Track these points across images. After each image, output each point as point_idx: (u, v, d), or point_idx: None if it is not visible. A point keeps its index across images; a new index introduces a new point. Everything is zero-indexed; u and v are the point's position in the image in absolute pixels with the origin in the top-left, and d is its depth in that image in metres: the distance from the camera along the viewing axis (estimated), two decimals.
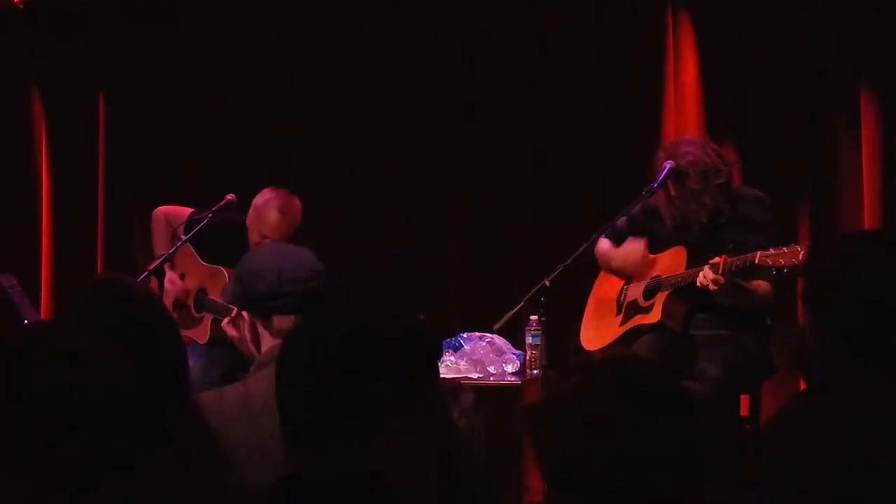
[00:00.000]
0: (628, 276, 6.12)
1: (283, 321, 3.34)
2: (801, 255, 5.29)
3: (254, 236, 6.36)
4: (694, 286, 5.63)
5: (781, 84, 7.04)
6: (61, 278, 7.88)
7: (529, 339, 6.02)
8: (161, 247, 6.51)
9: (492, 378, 6.00)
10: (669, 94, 7.20)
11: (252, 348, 3.42)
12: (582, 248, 5.76)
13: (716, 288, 5.52)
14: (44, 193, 8.01)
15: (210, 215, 6.26)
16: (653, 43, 7.31)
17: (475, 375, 5.95)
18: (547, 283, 5.62)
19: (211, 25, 7.86)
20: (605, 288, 6.23)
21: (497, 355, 6.08)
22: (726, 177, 5.78)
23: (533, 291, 5.64)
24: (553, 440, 2.19)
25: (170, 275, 6.47)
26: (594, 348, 6.03)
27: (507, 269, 7.47)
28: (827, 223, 6.88)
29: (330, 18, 7.75)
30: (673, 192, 5.76)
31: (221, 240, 6.38)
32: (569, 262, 5.69)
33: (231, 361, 6.11)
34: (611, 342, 5.95)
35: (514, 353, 6.12)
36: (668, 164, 5.75)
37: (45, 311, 7.63)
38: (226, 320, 6.05)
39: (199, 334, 6.40)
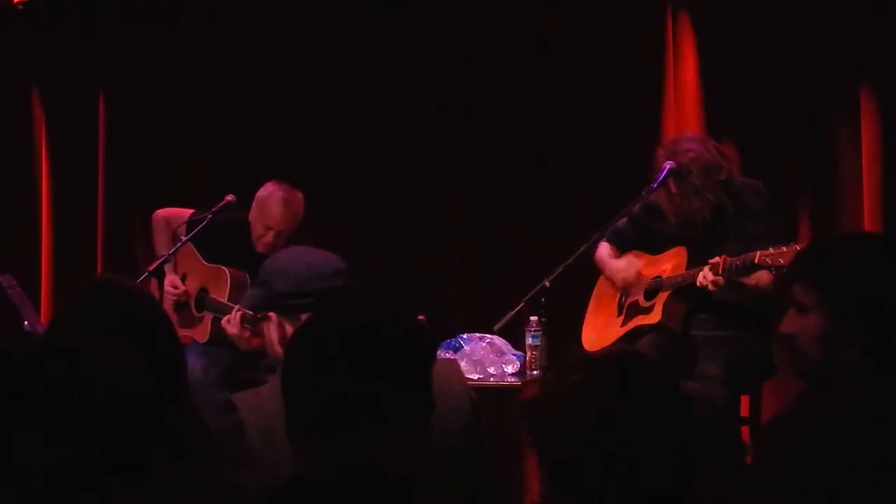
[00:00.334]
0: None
1: None
2: None
3: (257, 229, 6.38)
4: (694, 286, 5.63)
5: (781, 84, 7.04)
6: (61, 279, 7.87)
7: (529, 340, 6.01)
8: (162, 248, 6.52)
9: (492, 379, 5.99)
10: (669, 93, 7.20)
11: (279, 349, 3.40)
12: (582, 249, 5.76)
13: (715, 288, 5.53)
14: (44, 194, 8.01)
15: (210, 216, 6.27)
16: (653, 43, 7.31)
17: (475, 376, 5.94)
18: (547, 283, 5.63)
19: (211, 25, 7.86)
20: (607, 289, 6.23)
21: (497, 356, 6.07)
22: (727, 173, 5.78)
23: (533, 292, 5.65)
24: (553, 434, 2.20)
25: (171, 277, 6.47)
26: (595, 349, 6.02)
27: (507, 269, 7.47)
28: (827, 223, 6.88)
29: (330, 18, 7.76)
30: (675, 190, 5.76)
31: (222, 239, 6.39)
32: (569, 262, 5.70)
33: (231, 361, 6.13)
34: (612, 343, 5.95)
35: (514, 354, 6.11)
36: (668, 165, 5.75)
37: (45, 312, 7.62)
38: (225, 318, 6.07)
39: (200, 333, 6.40)
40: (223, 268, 6.43)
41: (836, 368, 2.79)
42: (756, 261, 5.44)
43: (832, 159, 6.97)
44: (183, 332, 6.41)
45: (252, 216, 6.42)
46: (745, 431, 5.97)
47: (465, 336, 6.15)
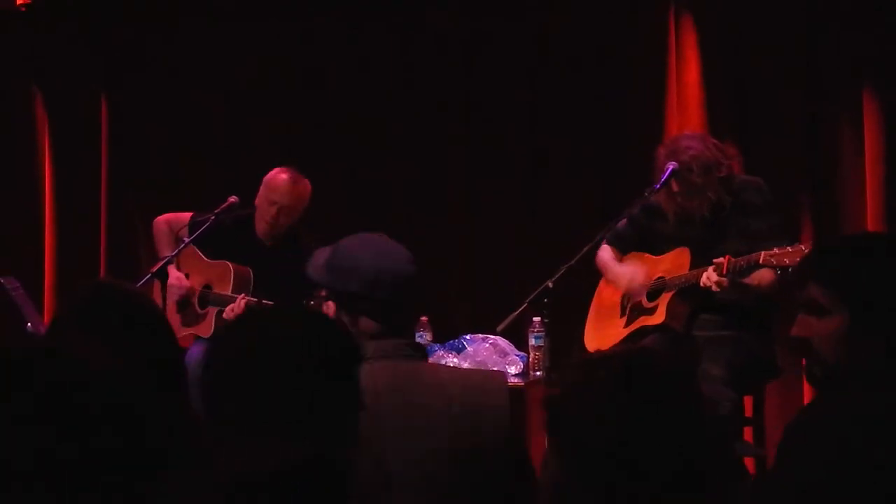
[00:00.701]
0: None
1: (369, 324, 3.25)
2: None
3: (263, 208, 6.39)
4: (698, 287, 5.63)
5: (781, 84, 7.04)
6: (64, 279, 7.87)
7: (532, 341, 6.03)
8: (165, 251, 6.52)
9: None
10: (672, 94, 7.20)
11: None
12: (585, 250, 5.75)
13: (718, 289, 5.53)
14: (46, 194, 8.00)
15: (213, 217, 6.27)
16: (653, 43, 7.31)
17: None
18: (550, 284, 5.61)
19: (211, 25, 7.86)
20: (609, 290, 6.22)
21: (500, 357, 6.09)
22: (728, 169, 5.77)
23: (536, 293, 5.62)
24: (570, 424, 2.21)
25: (176, 273, 6.47)
26: (598, 350, 6.01)
27: (507, 269, 7.47)
28: (828, 222, 6.88)
29: (330, 18, 7.76)
30: (676, 188, 5.75)
31: (224, 236, 6.40)
32: (572, 263, 5.68)
33: None
34: (615, 344, 5.94)
35: (517, 355, 6.12)
36: (671, 166, 5.75)
37: (47, 313, 7.62)
38: (229, 308, 6.05)
39: (204, 329, 6.41)
40: (227, 263, 6.45)
41: (855, 370, 2.78)
42: (761, 261, 5.44)
43: (832, 159, 6.97)
44: (187, 331, 6.43)
45: (258, 200, 6.45)
46: (748, 432, 5.98)
47: (468, 337, 6.17)
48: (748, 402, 5.99)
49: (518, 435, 3.29)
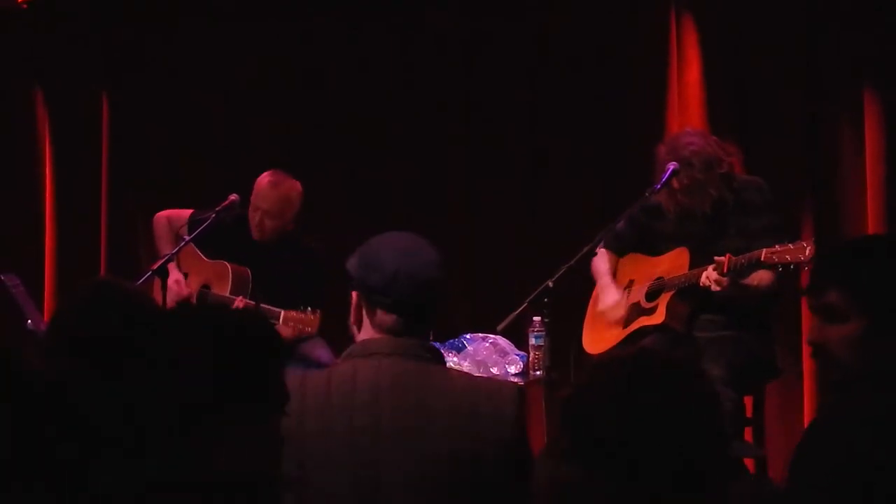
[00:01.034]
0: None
1: (386, 318, 3.26)
2: (807, 251, 5.29)
3: (251, 212, 6.40)
4: (698, 286, 5.63)
5: (781, 84, 7.04)
6: (64, 278, 7.86)
7: (533, 341, 6.02)
8: (165, 248, 6.52)
9: None
10: (673, 94, 7.20)
11: (354, 331, 3.38)
12: (585, 250, 5.73)
13: (719, 288, 5.52)
14: (47, 193, 8.00)
15: (214, 215, 6.27)
16: (653, 43, 7.31)
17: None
18: (550, 284, 5.60)
19: (211, 25, 7.86)
20: None
21: (500, 356, 6.08)
22: (728, 166, 5.78)
23: (536, 293, 5.61)
24: (580, 418, 2.22)
25: (175, 274, 6.47)
26: (597, 351, 6.01)
27: (507, 269, 7.47)
28: (829, 223, 6.87)
29: (330, 18, 7.76)
30: (677, 185, 5.75)
31: (223, 235, 6.40)
32: (572, 263, 5.67)
33: None
34: (615, 344, 5.94)
35: (517, 355, 6.11)
36: (672, 165, 5.75)
37: (48, 311, 7.61)
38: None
39: None
40: (225, 263, 6.45)
41: (874, 373, 2.77)
42: (762, 258, 5.43)
43: (833, 159, 6.97)
44: None
45: (250, 203, 6.45)
46: (748, 432, 5.97)
47: (468, 336, 6.16)
48: (748, 402, 5.98)
49: (525, 443, 3.26)
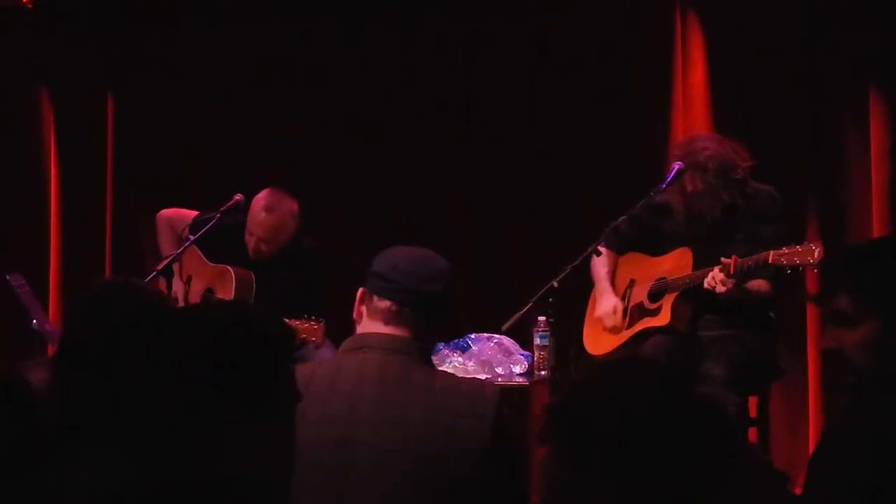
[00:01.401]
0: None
1: (381, 304, 3.33)
2: (816, 254, 5.30)
3: (246, 235, 6.38)
4: (702, 287, 5.63)
5: (783, 85, 7.05)
6: (69, 277, 7.84)
7: (537, 340, 6.03)
8: (168, 248, 6.51)
9: (500, 379, 6.00)
10: (678, 94, 7.20)
11: (357, 328, 3.43)
12: (590, 250, 5.74)
13: (724, 289, 5.52)
14: (52, 193, 7.98)
15: (218, 216, 6.26)
16: (654, 42, 7.32)
17: (483, 376, 5.95)
18: (555, 284, 5.61)
19: (211, 25, 7.85)
20: None
21: (505, 356, 6.09)
22: (743, 171, 5.77)
23: (541, 293, 5.63)
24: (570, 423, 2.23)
25: (175, 286, 6.44)
26: (600, 352, 6.00)
27: (508, 268, 7.48)
28: (833, 224, 6.88)
29: (330, 18, 7.75)
30: (690, 188, 5.74)
31: (226, 242, 6.38)
32: (577, 263, 5.68)
33: None
34: (618, 346, 5.95)
35: (522, 354, 6.12)
36: (677, 165, 5.76)
37: (53, 311, 7.61)
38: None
39: None
40: (228, 267, 6.43)
41: (888, 375, 2.78)
42: (770, 261, 5.44)
43: (837, 160, 6.97)
44: None
45: (246, 226, 6.43)
46: (752, 433, 5.98)
47: (472, 336, 6.17)
48: (752, 403, 5.99)
49: (507, 444, 3.27)
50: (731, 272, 5.50)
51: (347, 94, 7.73)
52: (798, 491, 4.64)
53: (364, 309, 3.38)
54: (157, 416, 2.34)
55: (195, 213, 6.51)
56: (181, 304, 6.41)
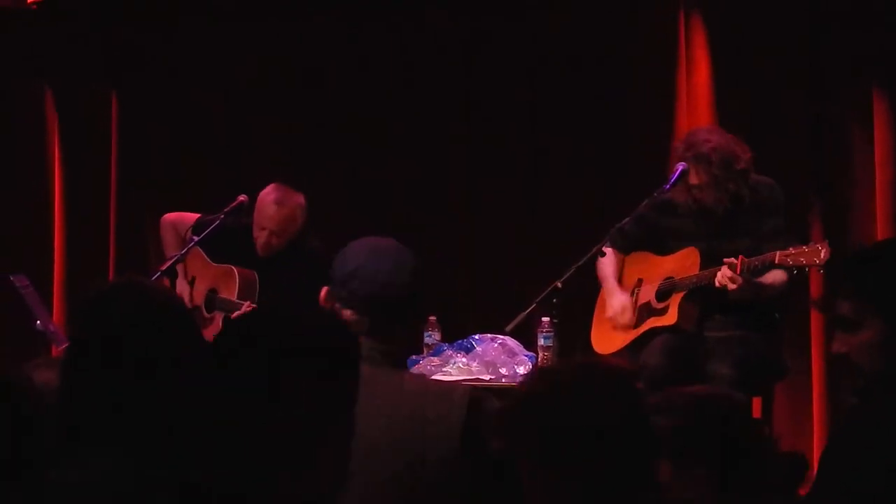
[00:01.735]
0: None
1: (343, 311, 3.28)
2: (822, 254, 5.32)
3: (255, 228, 6.39)
4: (708, 287, 5.64)
5: (785, 84, 7.06)
6: (73, 277, 7.84)
7: (541, 341, 6.02)
8: (171, 250, 6.51)
9: (503, 380, 5.98)
10: (682, 94, 7.20)
11: None
12: (594, 251, 5.75)
13: (735, 286, 5.53)
14: (55, 193, 7.97)
15: (222, 217, 6.27)
16: (654, 42, 7.33)
17: (487, 377, 5.95)
18: (559, 284, 5.61)
19: (211, 25, 7.85)
20: None
21: (509, 357, 6.08)
22: (746, 163, 5.78)
23: (545, 293, 5.63)
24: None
25: (180, 286, 6.44)
26: (608, 351, 6.01)
27: (508, 268, 7.48)
28: (837, 224, 6.89)
29: (330, 18, 7.75)
30: (696, 181, 5.75)
31: (230, 244, 6.39)
32: (581, 263, 5.68)
33: None
34: (626, 345, 5.95)
35: (525, 355, 6.11)
36: (681, 166, 5.77)
37: (57, 311, 7.61)
38: (235, 314, 6.04)
39: (211, 333, 6.39)
40: (232, 267, 6.43)
41: (893, 376, 2.80)
42: (776, 261, 5.46)
43: (840, 160, 6.97)
44: None
45: (253, 218, 6.43)
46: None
47: (476, 337, 6.16)
48: (756, 403, 6.00)
49: (478, 446, 3.23)
50: (738, 272, 5.52)
51: (347, 94, 7.74)
52: (802, 492, 4.64)
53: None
54: (200, 419, 2.31)
55: (198, 215, 6.52)
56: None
